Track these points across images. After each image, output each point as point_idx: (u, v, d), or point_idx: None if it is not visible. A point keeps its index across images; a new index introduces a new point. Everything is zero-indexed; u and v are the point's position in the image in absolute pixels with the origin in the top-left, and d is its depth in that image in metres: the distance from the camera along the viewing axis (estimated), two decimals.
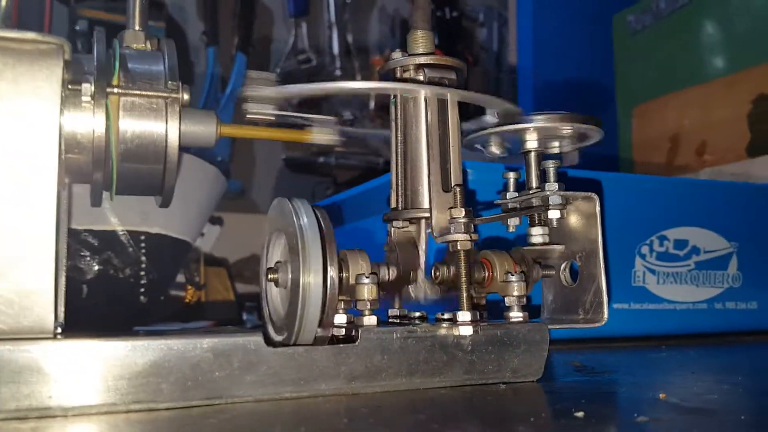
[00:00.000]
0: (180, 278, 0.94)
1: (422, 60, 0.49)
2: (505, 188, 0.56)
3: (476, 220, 0.48)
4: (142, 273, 0.81)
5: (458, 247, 0.46)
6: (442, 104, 0.49)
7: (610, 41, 1.84)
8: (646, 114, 1.58)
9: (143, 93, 0.40)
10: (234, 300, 0.98)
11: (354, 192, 0.93)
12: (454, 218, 0.46)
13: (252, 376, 0.41)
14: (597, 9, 1.83)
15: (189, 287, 0.93)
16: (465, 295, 0.46)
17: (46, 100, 0.38)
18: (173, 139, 0.40)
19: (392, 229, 0.52)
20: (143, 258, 0.81)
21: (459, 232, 0.46)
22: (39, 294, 0.37)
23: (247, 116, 0.47)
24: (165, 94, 0.40)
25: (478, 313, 0.46)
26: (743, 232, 0.90)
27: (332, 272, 0.43)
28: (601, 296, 0.52)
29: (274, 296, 0.48)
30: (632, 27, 1.78)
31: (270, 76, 0.45)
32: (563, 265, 0.55)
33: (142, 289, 0.82)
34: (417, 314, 0.52)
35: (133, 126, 0.40)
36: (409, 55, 0.50)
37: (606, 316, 0.51)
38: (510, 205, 0.55)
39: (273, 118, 0.47)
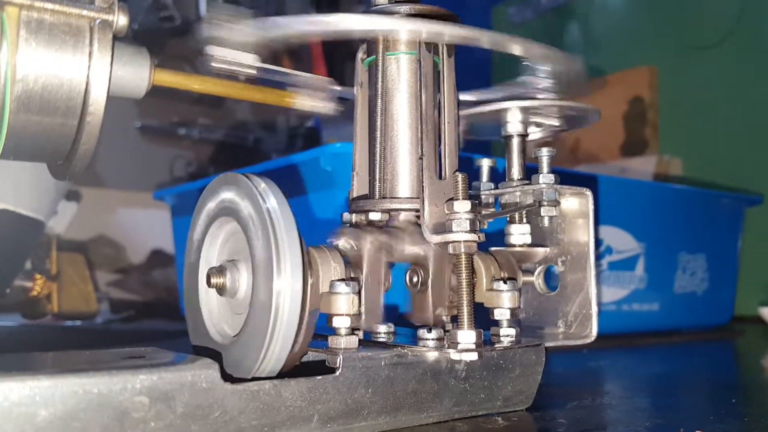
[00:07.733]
0: (27, 265, 0.76)
1: (412, 9, 0.39)
2: (477, 177, 0.48)
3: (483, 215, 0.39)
4: None
5: (461, 250, 0.36)
6: (435, 68, 0.39)
7: None
8: None
9: (59, 8, 0.26)
10: (92, 292, 0.81)
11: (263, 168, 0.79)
12: (456, 213, 0.36)
13: (199, 425, 0.29)
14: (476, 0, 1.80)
15: (38, 277, 0.75)
16: (467, 310, 0.36)
17: None
18: (99, 84, 0.27)
19: (357, 221, 0.41)
20: None
21: (462, 231, 0.36)
22: None
23: (214, 67, 0.34)
24: (92, 13, 0.26)
25: (481, 333, 0.37)
26: (651, 233, 0.89)
27: (312, 276, 0.32)
28: (589, 308, 0.45)
29: (214, 307, 0.36)
30: (512, 20, 1.77)
31: (239, 12, 0.33)
32: (538, 270, 0.48)
33: None
34: (383, 329, 0.42)
35: (39, 58, 0.26)
36: (395, 2, 0.40)
37: (595, 331, 0.44)
38: (485, 198, 0.47)
39: (254, 71, 0.35)
